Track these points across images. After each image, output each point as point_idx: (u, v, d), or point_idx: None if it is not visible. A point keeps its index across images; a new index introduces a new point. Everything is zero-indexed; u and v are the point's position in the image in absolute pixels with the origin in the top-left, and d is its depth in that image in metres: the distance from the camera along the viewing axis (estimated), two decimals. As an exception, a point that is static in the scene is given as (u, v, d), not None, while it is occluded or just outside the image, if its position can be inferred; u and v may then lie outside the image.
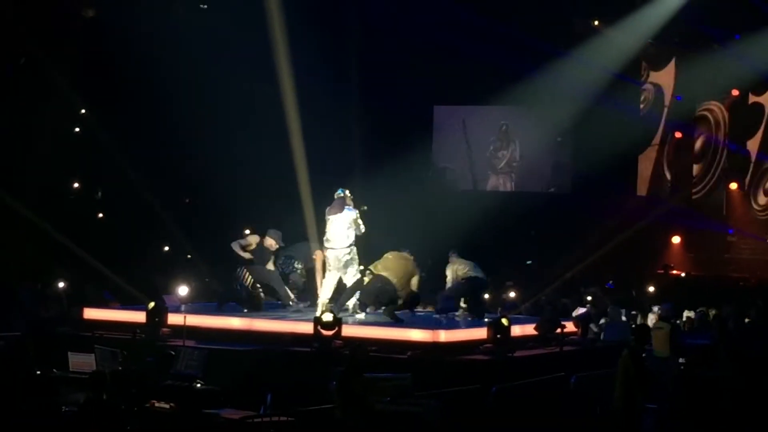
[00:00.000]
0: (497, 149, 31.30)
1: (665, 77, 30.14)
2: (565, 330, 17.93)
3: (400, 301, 17.95)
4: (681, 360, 17.76)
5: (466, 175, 31.56)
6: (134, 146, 27.32)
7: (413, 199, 28.30)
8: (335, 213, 18.08)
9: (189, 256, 28.20)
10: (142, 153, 27.40)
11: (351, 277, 18.22)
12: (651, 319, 20.56)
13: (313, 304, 18.76)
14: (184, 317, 17.17)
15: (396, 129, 29.25)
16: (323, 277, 18.69)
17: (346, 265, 18.12)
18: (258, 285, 18.96)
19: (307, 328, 16.46)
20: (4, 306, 20.70)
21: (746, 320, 20.62)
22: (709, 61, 28.02)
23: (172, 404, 14.21)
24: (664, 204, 29.65)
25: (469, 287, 19.28)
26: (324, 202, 18.64)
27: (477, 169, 31.53)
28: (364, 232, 18.23)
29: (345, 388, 12.96)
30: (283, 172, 25.05)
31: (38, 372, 14.98)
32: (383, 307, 18.01)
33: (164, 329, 17.50)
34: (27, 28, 24.83)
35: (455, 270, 19.38)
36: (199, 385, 14.92)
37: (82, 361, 15.81)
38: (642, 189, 30.44)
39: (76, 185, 29.10)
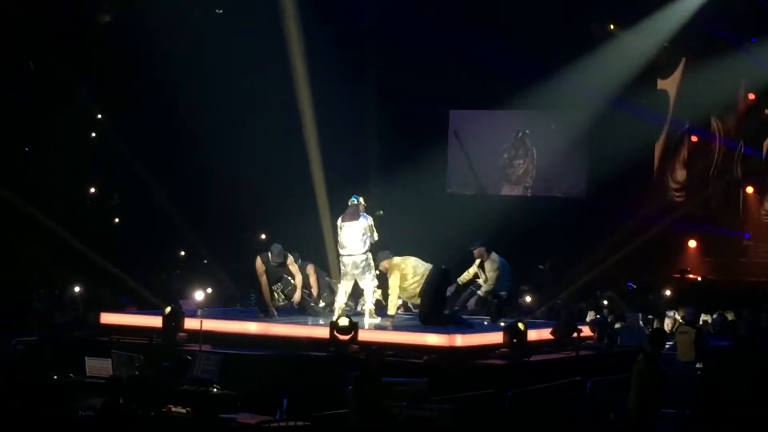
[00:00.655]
0: (512, 157, 31.19)
1: (671, 83, 30.02)
2: (582, 334, 17.89)
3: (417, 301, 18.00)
4: (698, 365, 17.73)
5: (470, 181, 31.42)
6: (150, 152, 27.39)
7: (428, 203, 28.31)
8: (350, 221, 18.11)
9: (205, 261, 28.28)
10: (158, 158, 27.46)
11: (368, 283, 18.27)
12: (667, 324, 20.53)
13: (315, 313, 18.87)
14: (201, 322, 17.17)
15: (412, 134, 29.25)
16: (319, 289, 19.06)
17: (363, 271, 18.17)
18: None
19: (323, 332, 16.47)
20: (20, 311, 20.79)
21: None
22: (722, 65, 27.96)
23: (188, 409, 14.24)
24: (681, 209, 29.62)
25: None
26: (339, 206, 18.66)
27: (484, 176, 31.42)
28: (377, 240, 18.28)
29: (360, 393, 12.97)
30: (300, 177, 25.14)
31: (55, 377, 15.00)
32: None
33: (181, 334, 17.50)
34: (43, 34, 24.89)
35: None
36: (215, 389, 14.93)
37: (98, 366, 15.83)
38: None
39: (92, 190, 29.17)
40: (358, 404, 12.96)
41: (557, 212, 29.19)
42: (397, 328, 17.64)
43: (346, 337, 16.06)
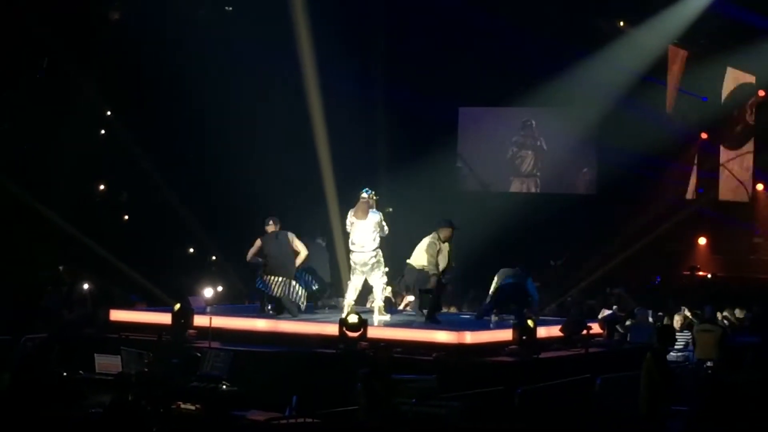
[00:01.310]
0: (521, 147, 31.14)
1: (671, 77, 29.94)
2: (591, 331, 17.88)
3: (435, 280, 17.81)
4: (709, 363, 17.70)
5: (476, 177, 31.40)
6: (159, 149, 27.40)
7: (437, 200, 28.27)
8: (360, 217, 18.06)
9: (214, 258, 28.28)
10: (167, 155, 27.46)
11: (378, 279, 18.26)
12: (677, 321, 20.49)
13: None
14: (210, 319, 17.18)
15: (421, 130, 29.23)
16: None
17: (373, 267, 18.16)
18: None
19: (332, 329, 16.46)
20: (29, 308, 20.80)
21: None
22: (731, 61, 27.90)
23: (197, 406, 14.26)
24: (691, 206, 29.59)
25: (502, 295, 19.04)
26: (348, 204, 18.63)
27: (493, 173, 31.39)
28: (387, 234, 18.24)
29: (369, 390, 12.97)
30: (309, 173, 25.13)
31: (64, 374, 15.01)
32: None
33: (190, 331, 17.53)
34: (52, 31, 24.90)
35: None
36: (224, 386, 14.93)
37: (108, 363, 15.87)
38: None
39: (101, 188, 29.18)
40: (367, 401, 12.96)
41: (567, 209, 29.14)
42: (405, 325, 17.64)
43: (356, 335, 16.06)
